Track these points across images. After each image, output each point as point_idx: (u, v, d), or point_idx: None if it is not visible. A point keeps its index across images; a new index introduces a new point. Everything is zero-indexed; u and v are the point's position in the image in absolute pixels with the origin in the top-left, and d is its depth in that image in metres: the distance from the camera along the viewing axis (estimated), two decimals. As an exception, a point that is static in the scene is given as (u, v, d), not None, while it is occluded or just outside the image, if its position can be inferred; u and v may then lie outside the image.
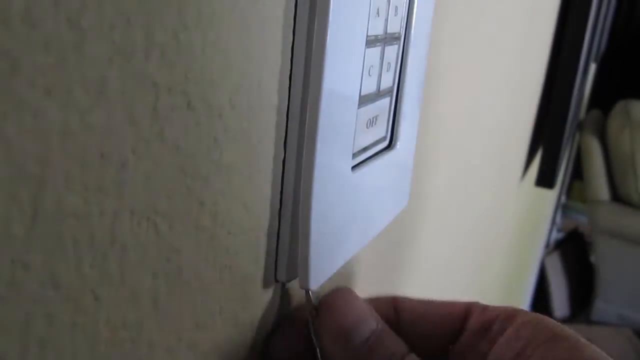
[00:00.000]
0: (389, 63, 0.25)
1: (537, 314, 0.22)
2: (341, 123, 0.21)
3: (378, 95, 0.25)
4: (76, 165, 0.13)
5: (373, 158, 0.26)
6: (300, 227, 0.21)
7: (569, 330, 0.21)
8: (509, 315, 0.22)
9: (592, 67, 2.31)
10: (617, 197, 2.32)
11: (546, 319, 0.22)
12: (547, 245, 2.69)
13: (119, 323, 0.15)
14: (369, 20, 0.22)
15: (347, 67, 0.21)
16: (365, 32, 0.22)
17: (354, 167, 0.24)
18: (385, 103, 0.26)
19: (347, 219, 0.24)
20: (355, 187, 0.24)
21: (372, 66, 0.23)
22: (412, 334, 0.24)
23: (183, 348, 0.18)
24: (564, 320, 2.40)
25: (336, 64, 0.20)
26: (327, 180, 0.21)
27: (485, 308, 0.24)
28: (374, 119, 0.25)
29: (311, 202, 0.21)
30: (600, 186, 2.31)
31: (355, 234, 0.25)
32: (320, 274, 0.22)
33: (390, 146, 0.28)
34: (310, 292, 0.23)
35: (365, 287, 0.36)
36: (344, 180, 0.23)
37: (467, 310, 0.24)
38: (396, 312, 0.25)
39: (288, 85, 0.21)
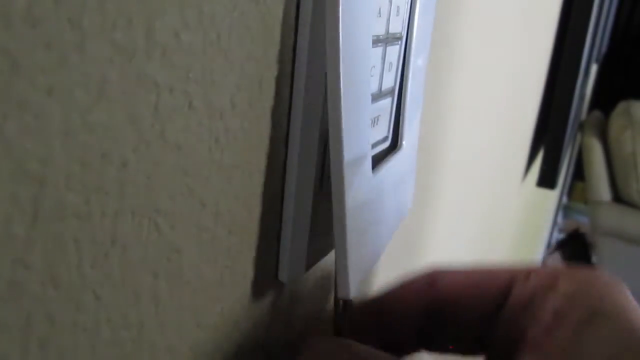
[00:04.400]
0: (390, 63, 0.25)
1: (583, 277, 0.20)
2: (359, 123, 0.21)
3: (380, 95, 0.25)
4: (77, 165, 0.13)
5: (386, 159, 0.26)
6: (336, 235, 0.20)
7: (611, 304, 0.19)
8: (550, 284, 0.21)
9: (594, 68, 2.31)
10: (618, 197, 2.32)
11: (588, 288, 0.20)
12: (548, 246, 2.69)
13: (120, 323, 0.15)
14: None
15: (357, 67, 0.21)
16: (371, 32, 0.22)
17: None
18: (386, 103, 0.26)
19: (373, 222, 0.23)
20: (376, 190, 0.24)
21: (373, 66, 0.23)
22: (450, 312, 0.23)
23: (184, 348, 0.18)
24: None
25: (348, 63, 0.20)
26: (355, 184, 0.21)
27: (527, 277, 0.22)
28: (376, 119, 0.25)
29: (345, 208, 0.20)
30: (601, 187, 2.31)
31: (379, 238, 0.25)
32: (356, 282, 0.22)
33: (396, 147, 0.28)
34: (342, 302, 0.23)
35: (367, 290, 0.36)
36: (367, 183, 0.22)
37: (510, 282, 0.22)
38: (432, 288, 0.23)
39: (290, 85, 0.21)
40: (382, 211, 0.25)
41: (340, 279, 0.21)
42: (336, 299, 0.23)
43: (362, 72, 0.21)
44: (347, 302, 0.23)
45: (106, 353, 0.15)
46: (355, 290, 0.21)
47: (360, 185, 0.21)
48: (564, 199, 3.18)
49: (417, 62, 0.28)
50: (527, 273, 0.22)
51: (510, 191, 1.04)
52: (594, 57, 1.82)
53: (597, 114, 2.49)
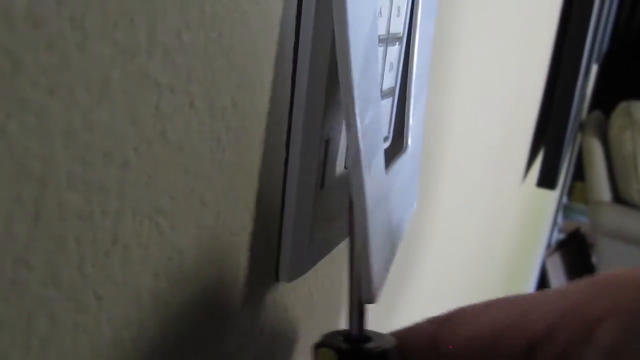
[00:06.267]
0: (391, 63, 0.25)
1: (624, 327, 0.16)
2: (374, 122, 0.21)
3: (381, 95, 0.25)
4: (78, 165, 0.13)
5: (393, 160, 0.26)
6: (357, 238, 0.20)
7: None
8: (584, 339, 0.17)
9: (594, 68, 2.31)
10: (618, 198, 2.32)
11: (632, 340, 0.16)
12: (548, 246, 2.69)
13: (121, 323, 0.15)
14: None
15: (367, 65, 0.20)
16: (377, 32, 0.22)
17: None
18: (387, 103, 0.26)
19: (387, 223, 0.23)
20: (388, 190, 0.23)
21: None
22: None
23: (184, 348, 0.18)
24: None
25: (358, 62, 0.19)
26: (372, 185, 0.20)
27: (553, 338, 0.17)
28: (377, 119, 0.25)
29: (367, 211, 0.19)
30: (601, 187, 2.31)
31: (393, 238, 0.24)
32: (379, 286, 0.21)
33: (401, 147, 0.28)
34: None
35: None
36: (382, 183, 0.22)
37: (530, 346, 0.18)
38: (436, 350, 0.20)
39: (291, 85, 0.21)
40: (393, 212, 0.25)
41: (365, 284, 0.20)
42: (355, 303, 0.22)
43: (372, 71, 0.21)
44: (362, 307, 0.22)
45: (107, 353, 0.15)
46: (379, 293, 0.21)
47: (375, 186, 0.21)
48: (564, 199, 3.18)
49: (419, 62, 0.28)
50: (550, 334, 0.18)
51: (510, 191, 1.04)
52: (595, 57, 1.82)
53: (597, 114, 2.48)
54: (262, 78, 0.19)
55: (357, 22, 0.19)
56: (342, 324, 0.33)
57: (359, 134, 0.19)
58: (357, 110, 0.19)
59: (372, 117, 0.20)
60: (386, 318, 0.44)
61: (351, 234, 0.21)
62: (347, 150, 0.19)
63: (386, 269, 0.23)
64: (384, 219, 0.22)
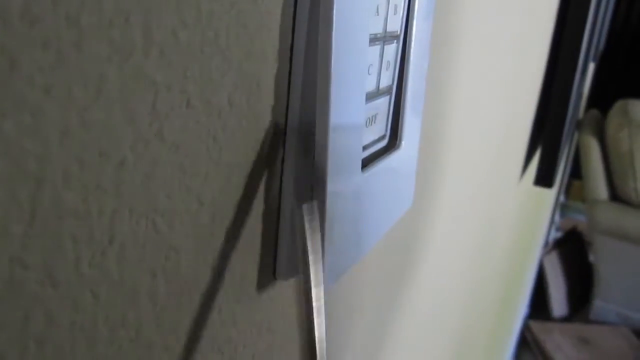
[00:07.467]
0: (388, 61, 0.25)
1: None
2: (351, 123, 0.21)
3: (377, 93, 0.25)
4: (75, 164, 0.13)
5: (380, 158, 0.26)
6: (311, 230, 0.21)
7: None
8: None
9: (591, 67, 2.31)
10: (615, 196, 2.32)
11: None
12: (545, 245, 2.70)
13: (118, 322, 0.15)
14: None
15: (351, 65, 0.21)
16: (368, 31, 0.22)
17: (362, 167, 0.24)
18: (384, 102, 0.26)
19: (358, 219, 0.23)
20: (365, 187, 0.24)
21: (371, 65, 0.23)
22: None
23: (182, 347, 0.18)
24: (563, 320, 2.41)
25: (342, 62, 0.20)
26: (340, 181, 0.21)
27: None
28: (373, 118, 0.25)
29: (326, 202, 0.20)
30: (599, 185, 2.32)
31: (366, 234, 0.25)
32: (333, 275, 0.22)
33: (395, 145, 0.28)
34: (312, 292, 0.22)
35: (369, 287, 0.36)
36: (355, 180, 0.23)
37: None
38: None
39: (287, 85, 0.21)
40: (371, 208, 0.25)
41: (313, 271, 0.21)
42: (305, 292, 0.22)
43: (356, 71, 0.21)
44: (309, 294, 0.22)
45: (104, 352, 0.15)
46: (331, 281, 0.22)
47: (346, 182, 0.22)
48: (562, 198, 3.19)
49: (417, 61, 0.28)
50: None
51: (507, 190, 1.04)
52: (592, 55, 1.82)
53: (594, 112, 2.49)
54: (259, 77, 0.19)
55: (344, 21, 0.19)
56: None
57: (329, 131, 0.19)
58: (330, 108, 0.19)
59: (349, 118, 0.21)
60: (386, 315, 0.44)
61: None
62: (316, 148, 0.20)
63: (349, 260, 0.23)
64: (353, 214, 0.23)
